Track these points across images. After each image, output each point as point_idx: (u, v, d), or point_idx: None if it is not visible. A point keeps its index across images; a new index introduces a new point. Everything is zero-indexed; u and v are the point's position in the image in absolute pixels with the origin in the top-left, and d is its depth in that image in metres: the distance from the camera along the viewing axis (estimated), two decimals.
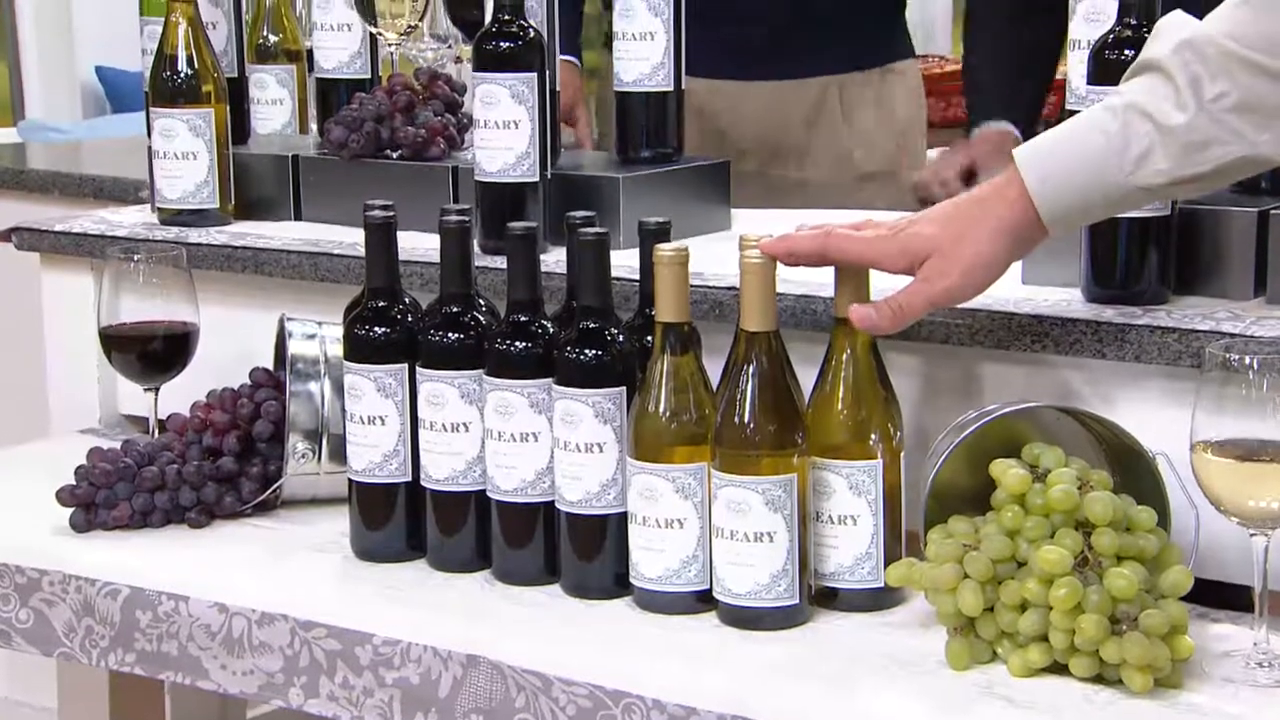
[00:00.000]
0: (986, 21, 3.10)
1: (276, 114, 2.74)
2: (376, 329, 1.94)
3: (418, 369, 1.92)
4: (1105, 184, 1.70)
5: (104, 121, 6.05)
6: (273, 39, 2.75)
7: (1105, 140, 1.69)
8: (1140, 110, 1.68)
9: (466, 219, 1.91)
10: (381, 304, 1.95)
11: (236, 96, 2.55)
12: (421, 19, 2.48)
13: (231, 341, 2.28)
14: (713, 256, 2.05)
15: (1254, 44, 1.65)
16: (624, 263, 1.96)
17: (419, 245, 2.19)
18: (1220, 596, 1.78)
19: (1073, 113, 1.97)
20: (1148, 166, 1.68)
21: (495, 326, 1.89)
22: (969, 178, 2.83)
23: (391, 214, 1.94)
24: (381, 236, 1.94)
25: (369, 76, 2.55)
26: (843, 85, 3.24)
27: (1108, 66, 1.81)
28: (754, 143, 3.25)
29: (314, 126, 2.69)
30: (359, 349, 1.94)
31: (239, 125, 2.56)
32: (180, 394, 2.20)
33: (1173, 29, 1.70)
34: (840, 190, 3.05)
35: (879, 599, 1.79)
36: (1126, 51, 1.80)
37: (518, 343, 1.86)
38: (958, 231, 1.74)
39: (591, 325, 1.82)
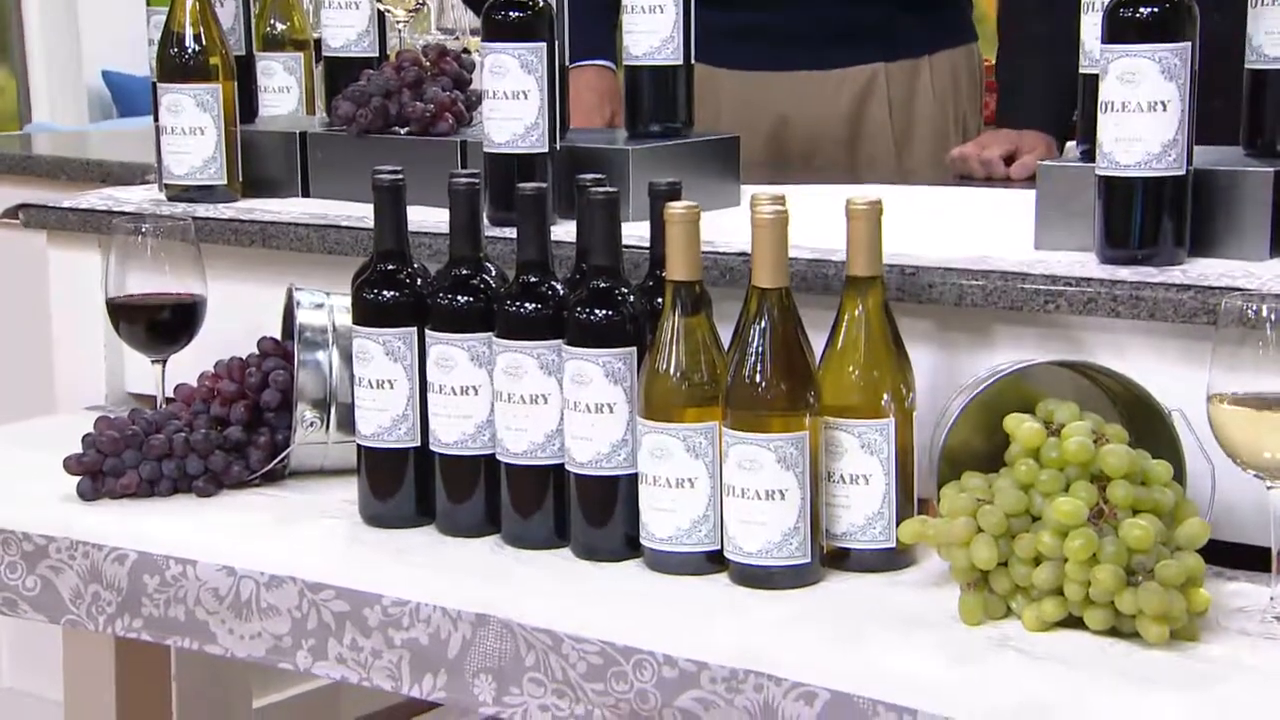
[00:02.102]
0: (1022, 40, 3.00)
1: (283, 101, 2.73)
2: (385, 292, 1.93)
3: (427, 332, 1.91)
4: None
5: (110, 125, 6.06)
6: (280, 27, 2.74)
7: None
8: None
9: (476, 181, 1.90)
10: (390, 267, 1.93)
11: (244, 76, 2.54)
12: None
13: (238, 317, 2.26)
14: (722, 228, 2.04)
15: None
16: (633, 233, 1.95)
17: (427, 219, 2.18)
18: (1236, 559, 1.76)
19: (1087, 76, 1.98)
20: None
21: (505, 289, 1.88)
22: (1008, 161, 2.77)
23: (400, 176, 1.93)
24: (390, 199, 1.93)
25: (376, 55, 2.53)
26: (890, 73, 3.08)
27: (1123, 25, 1.80)
28: (804, 138, 3.09)
29: (321, 111, 2.68)
30: (367, 312, 1.93)
31: (246, 104, 2.54)
32: (187, 369, 2.18)
33: None
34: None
35: (891, 559, 1.77)
36: (1141, 10, 1.80)
37: (527, 304, 1.85)
38: None
39: (602, 285, 1.81)
